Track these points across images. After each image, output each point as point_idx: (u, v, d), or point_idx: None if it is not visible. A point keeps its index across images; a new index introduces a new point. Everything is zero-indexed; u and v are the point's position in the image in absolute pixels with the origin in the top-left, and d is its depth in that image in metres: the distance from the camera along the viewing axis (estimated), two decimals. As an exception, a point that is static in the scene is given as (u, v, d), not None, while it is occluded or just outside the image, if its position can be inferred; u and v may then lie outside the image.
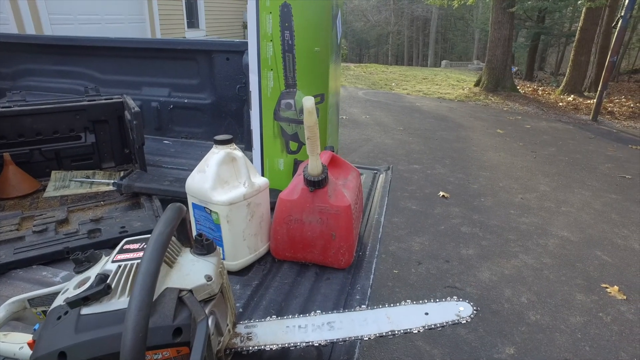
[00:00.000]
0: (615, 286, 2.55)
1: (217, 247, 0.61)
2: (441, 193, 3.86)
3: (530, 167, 4.75)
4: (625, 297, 2.46)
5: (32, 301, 0.62)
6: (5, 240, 0.92)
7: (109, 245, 0.94)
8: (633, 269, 2.77)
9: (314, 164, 0.81)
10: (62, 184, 1.25)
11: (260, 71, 1.16)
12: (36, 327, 0.56)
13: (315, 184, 0.83)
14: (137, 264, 0.53)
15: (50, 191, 1.21)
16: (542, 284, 2.55)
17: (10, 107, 1.23)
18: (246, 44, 1.62)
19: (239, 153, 0.85)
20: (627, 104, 8.83)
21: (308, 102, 0.70)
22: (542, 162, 4.96)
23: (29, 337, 0.54)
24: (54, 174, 1.29)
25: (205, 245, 0.59)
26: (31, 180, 1.23)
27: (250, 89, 1.18)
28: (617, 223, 3.43)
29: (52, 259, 0.88)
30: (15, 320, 0.62)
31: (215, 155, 0.83)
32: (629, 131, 6.82)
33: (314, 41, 1.11)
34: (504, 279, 2.58)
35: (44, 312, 0.62)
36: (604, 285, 2.57)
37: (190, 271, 0.55)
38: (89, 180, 1.27)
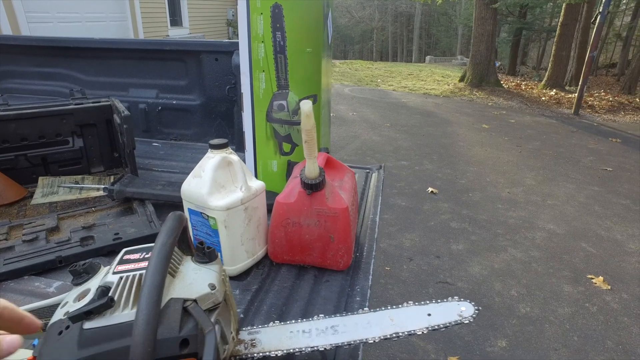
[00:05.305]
0: (600, 277, 2.62)
1: (218, 254, 0.61)
2: (430, 189, 3.90)
3: (516, 161, 4.83)
4: (609, 287, 2.53)
5: (28, 314, 0.60)
6: (-5, 250, 0.90)
7: (103, 252, 0.92)
8: (616, 259, 2.85)
9: (312, 167, 0.81)
10: (50, 190, 1.22)
11: (251, 73, 1.14)
12: (35, 342, 0.55)
13: (313, 187, 0.83)
14: (140, 275, 0.52)
15: (38, 198, 1.18)
16: (531, 277, 2.61)
17: (-7, 112, 1.19)
18: (235, 44, 1.61)
19: (234, 157, 0.85)
20: (606, 97, 9.05)
21: (306, 105, 0.70)
22: (527, 156, 5.05)
23: (28, 353, 0.52)
24: (41, 180, 1.25)
25: (207, 253, 0.58)
26: (17, 187, 1.20)
27: (242, 91, 1.17)
28: (600, 215, 3.52)
29: (44, 269, 0.86)
30: (11, 335, 0.60)
31: (211, 160, 0.82)
32: (608, 124, 6.99)
33: (306, 42, 1.11)
34: (494, 273, 2.63)
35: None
36: (589, 276, 2.63)
37: (194, 280, 0.55)
38: (78, 185, 1.24)
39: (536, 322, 2.20)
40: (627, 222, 3.41)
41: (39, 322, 0.49)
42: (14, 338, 0.44)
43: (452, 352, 1.97)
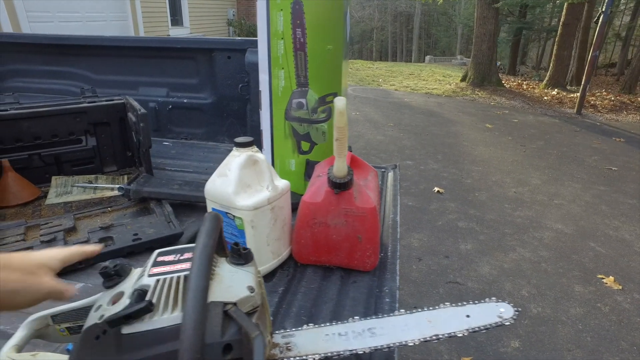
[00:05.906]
0: (611, 276, 2.60)
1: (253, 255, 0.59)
2: (436, 188, 3.88)
3: (521, 160, 4.82)
4: (621, 287, 2.51)
5: (55, 317, 0.58)
6: (13, 251, 0.87)
7: (123, 254, 0.90)
8: (626, 259, 2.83)
9: (341, 165, 0.79)
10: (64, 190, 1.20)
11: (270, 70, 1.12)
12: (69, 347, 0.53)
13: (341, 186, 0.81)
14: (178, 277, 0.50)
15: (52, 198, 1.16)
16: (541, 277, 2.59)
17: (6, 110, 1.17)
18: (248, 41, 1.59)
19: (260, 155, 0.83)
20: (607, 97, 9.03)
21: (340, 102, 0.68)
22: (532, 155, 5.03)
23: (64, 358, 0.51)
24: (55, 180, 1.23)
25: (243, 255, 0.56)
26: (31, 187, 1.18)
27: (260, 88, 1.15)
28: (607, 214, 3.50)
29: (65, 271, 0.83)
30: (37, 338, 0.58)
31: (237, 158, 0.80)
32: (611, 124, 6.97)
33: (326, 39, 1.09)
34: (504, 273, 2.61)
35: (68, 328, 0.59)
36: (600, 276, 2.61)
37: (232, 283, 0.53)
38: (93, 185, 1.22)
39: (548, 323, 2.18)
40: (634, 221, 3.39)
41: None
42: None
43: (465, 353, 1.95)
